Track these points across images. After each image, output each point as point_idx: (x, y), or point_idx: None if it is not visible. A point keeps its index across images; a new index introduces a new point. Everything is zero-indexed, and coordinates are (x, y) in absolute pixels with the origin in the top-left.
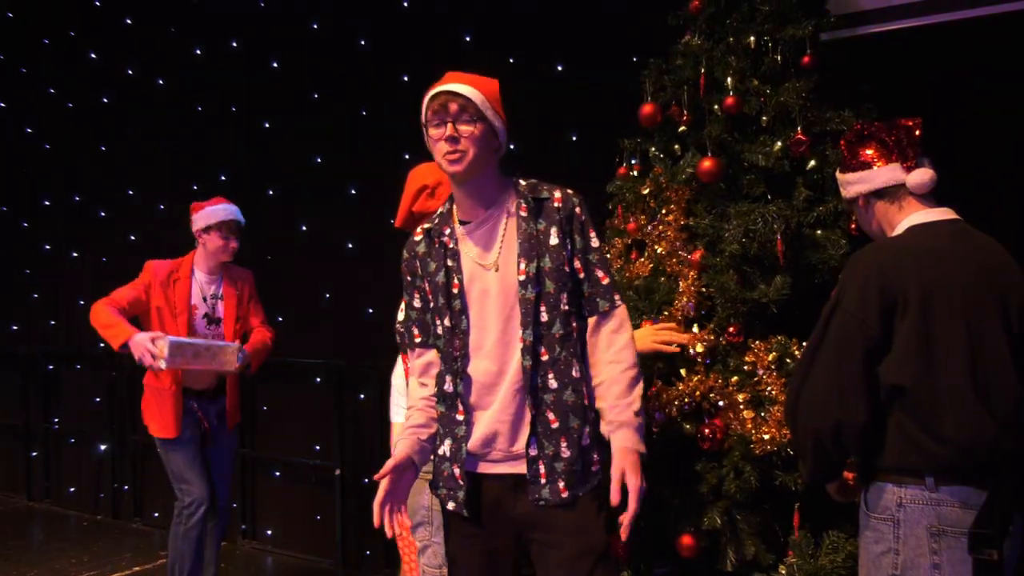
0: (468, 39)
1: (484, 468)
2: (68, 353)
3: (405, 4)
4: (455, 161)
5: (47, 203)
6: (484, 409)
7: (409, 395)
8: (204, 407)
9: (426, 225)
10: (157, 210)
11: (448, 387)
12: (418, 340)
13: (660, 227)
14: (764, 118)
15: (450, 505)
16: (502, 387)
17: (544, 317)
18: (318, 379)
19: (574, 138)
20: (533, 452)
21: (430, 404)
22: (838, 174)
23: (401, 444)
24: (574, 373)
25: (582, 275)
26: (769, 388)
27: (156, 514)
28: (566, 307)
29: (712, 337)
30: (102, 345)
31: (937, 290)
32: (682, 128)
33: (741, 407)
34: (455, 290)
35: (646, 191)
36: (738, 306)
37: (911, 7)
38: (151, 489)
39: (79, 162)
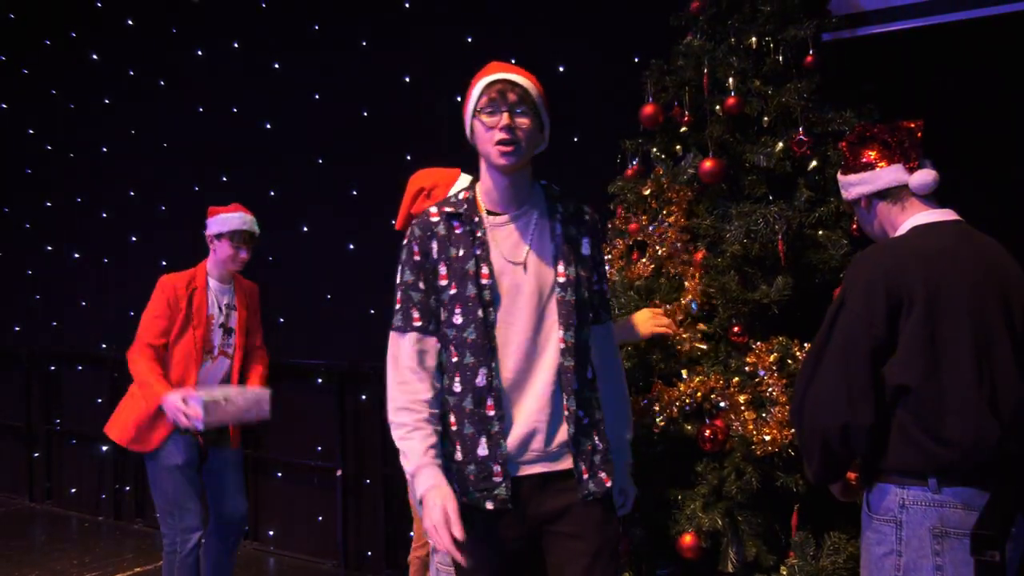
0: (469, 39)
1: (517, 470)
2: (70, 354)
3: (406, 4)
4: (509, 154)
5: (48, 204)
6: (516, 408)
7: (405, 389)
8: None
9: (447, 209)
10: (158, 211)
11: (480, 381)
12: (418, 324)
13: (661, 228)
14: (765, 119)
15: (489, 505)
16: (536, 387)
17: (578, 321)
18: (319, 380)
19: (575, 139)
20: (576, 450)
21: (435, 412)
22: (840, 175)
23: (435, 477)
24: (587, 375)
25: (596, 287)
26: (770, 389)
27: (157, 515)
28: (588, 315)
29: (711, 330)
30: (104, 346)
31: (942, 290)
32: (683, 129)
33: (742, 408)
34: (485, 280)
35: (647, 192)
36: (739, 307)
37: (913, 8)
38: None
39: (80, 163)
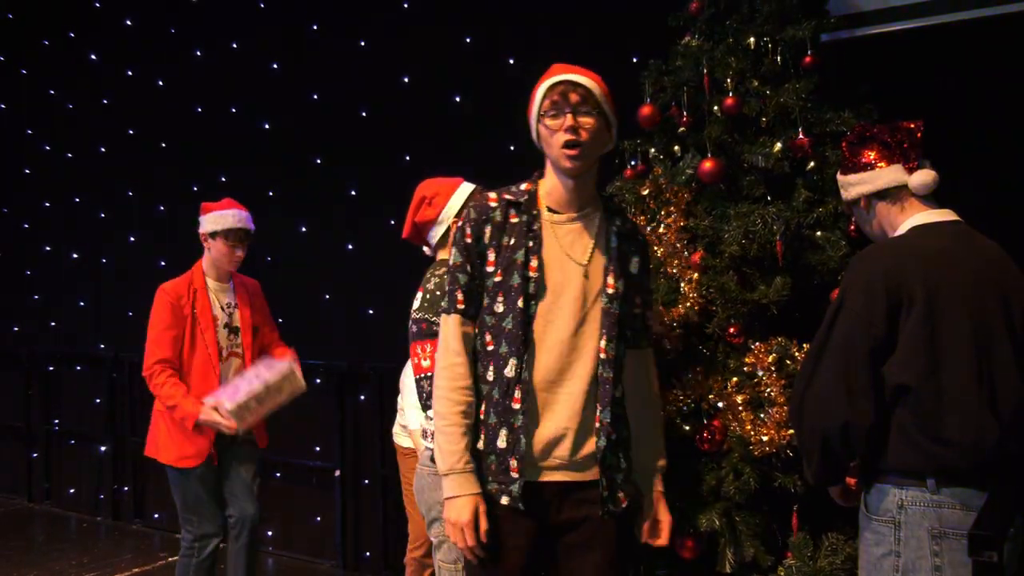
0: (468, 40)
1: (537, 474)
2: (68, 354)
3: (405, 5)
4: (574, 157)
5: (47, 204)
6: (543, 408)
7: (448, 374)
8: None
9: (507, 196)
10: (157, 211)
11: (510, 371)
12: (461, 307)
13: (660, 228)
14: (764, 119)
15: (504, 500)
16: (569, 392)
17: (617, 336)
18: (318, 380)
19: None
20: (603, 464)
21: (472, 401)
22: (839, 176)
23: (468, 484)
24: (616, 393)
25: (638, 311)
26: (769, 389)
27: (156, 515)
28: (626, 332)
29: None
30: (102, 346)
31: (942, 290)
32: (682, 129)
33: (740, 408)
34: (532, 273)
35: (646, 192)
36: (738, 307)
37: (911, 8)
38: (151, 490)
39: (79, 163)
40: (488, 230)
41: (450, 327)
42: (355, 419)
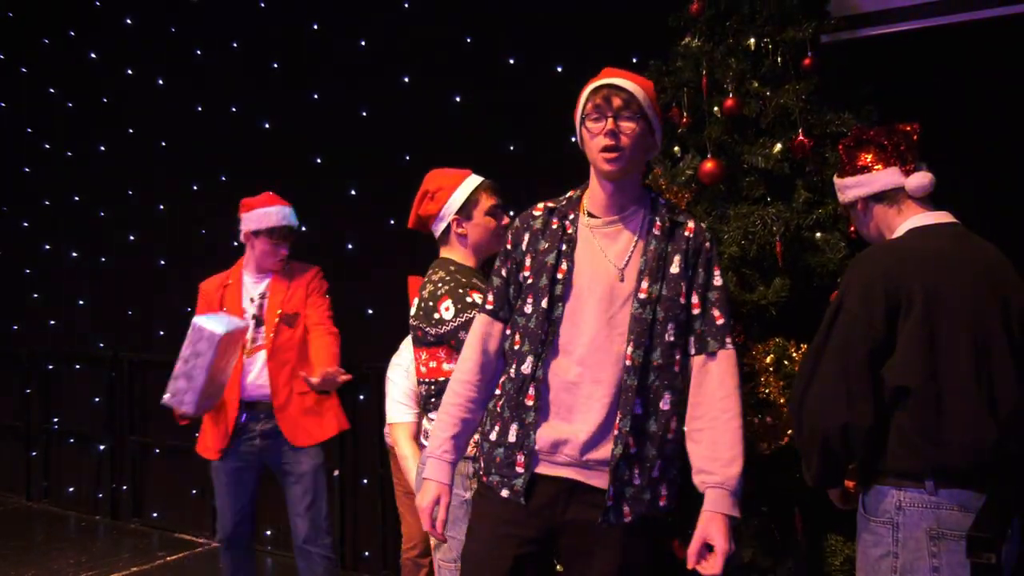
0: (468, 40)
1: (543, 469)
2: (67, 353)
3: (406, 5)
4: (614, 160)
5: (47, 203)
6: (559, 407)
7: (459, 367)
8: (254, 423)
9: (551, 204)
10: (156, 210)
11: (527, 368)
12: (489, 308)
13: None
14: (764, 120)
15: (504, 492)
16: (590, 395)
17: (650, 342)
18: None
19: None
20: (614, 474)
21: (475, 397)
22: (836, 179)
23: (441, 472)
24: (662, 405)
25: (697, 311)
26: (768, 390)
27: (155, 514)
28: (671, 338)
29: None
30: (101, 345)
31: (940, 292)
32: (682, 130)
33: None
34: (560, 275)
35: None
36: (737, 308)
37: (911, 10)
38: (150, 490)
39: (79, 162)
40: (527, 237)
41: (476, 325)
42: (354, 419)
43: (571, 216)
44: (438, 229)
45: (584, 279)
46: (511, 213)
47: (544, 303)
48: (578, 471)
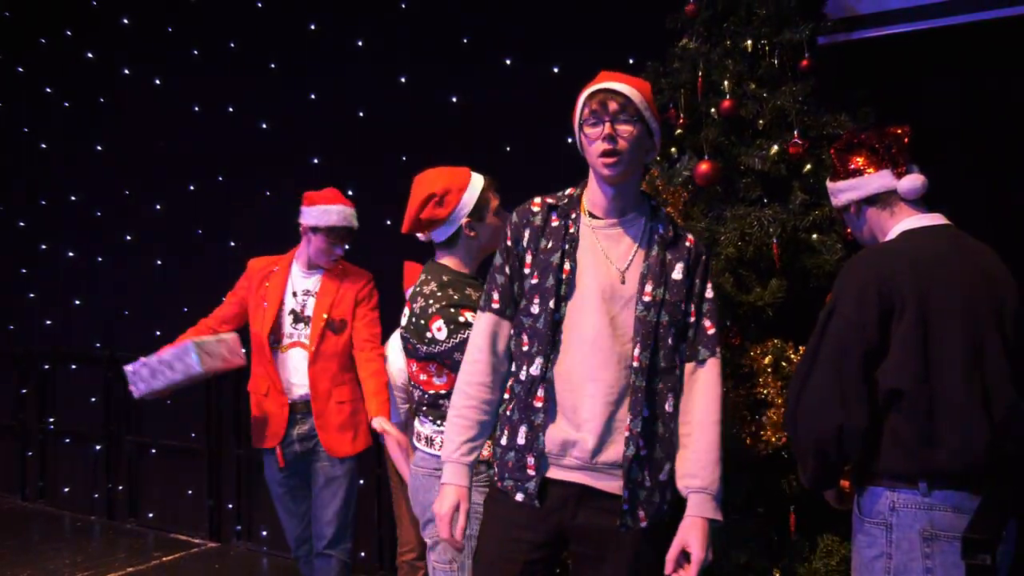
0: (465, 40)
1: (553, 473)
2: (64, 353)
3: (404, 5)
4: (612, 165)
5: (44, 202)
6: (564, 408)
7: (468, 370)
8: (291, 427)
9: (549, 200)
10: (153, 210)
11: (535, 370)
12: (495, 306)
13: None
14: (761, 121)
15: (519, 496)
16: (596, 395)
17: (655, 345)
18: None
19: (570, 140)
20: (627, 477)
21: (488, 398)
22: (828, 182)
23: (459, 475)
24: (667, 407)
25: (692, 319)
26: (765, 391)
27: (150, 515)
28: (673, 342)
29: None
30: (98, 345)
31: (934, 294)
32: (679, 131)
33: (737, 410)
34: (564, 275)
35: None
36: (734, 309)
37: (908, 12)
38: (146, 490)
39: (76, 162)
40: (527, 233)
41: (480, 324)
42: None
43: (573, 215)
44: (444, 233)
45: (586, 279)
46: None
47: (551, 303)
48: (587, 475)
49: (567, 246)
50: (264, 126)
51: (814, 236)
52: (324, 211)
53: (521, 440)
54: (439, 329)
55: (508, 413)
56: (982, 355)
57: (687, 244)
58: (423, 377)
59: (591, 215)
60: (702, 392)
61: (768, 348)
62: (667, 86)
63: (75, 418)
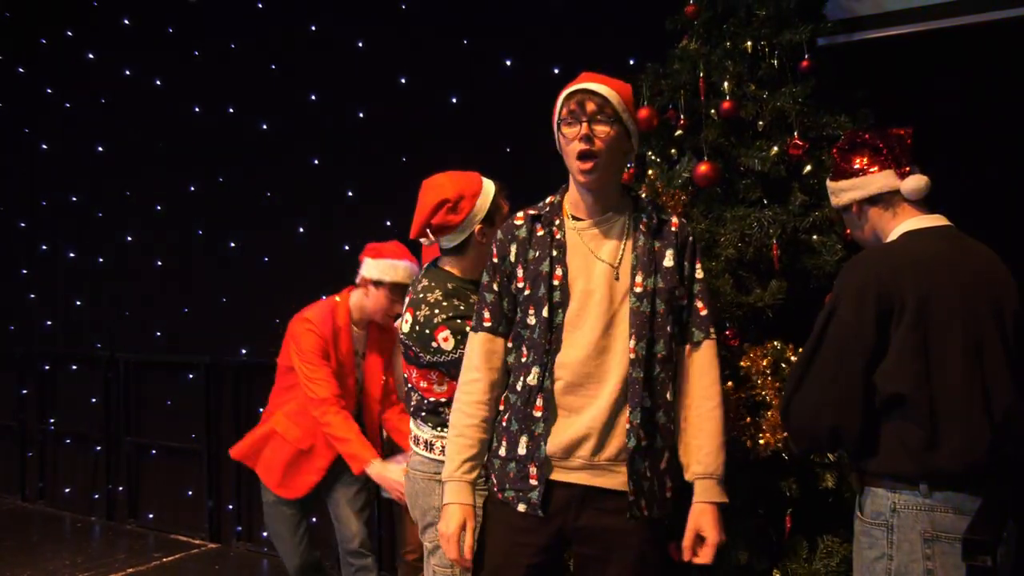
0: (465, 41)
1: (556, 475)
2: (64, 354)
3: (403, 6)
4: (589, 171)
5: (44, 203)
6: (568, 411)
7: (466, 389)
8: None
9: (531, 212)
10: (154, 211)
11: (532, 380)
12: (487, 325)
13: None
14: (761, 123)
15: (521, 507)
16: (597, 394)
17: (652, 334)
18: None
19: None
20: (631, 468)
21: (488, 416)
22: (829, 182)
23: (462, 494)
24: (668, 396)
25: (684, 302)
26: (764, 393)
27: (150, 515)
28: (670, 329)
29: None
30: (98, 345)
31: (933, 296)
32: (679, 132)
33: (736, 411)
34: (556, 282)
35: (642, 195)
36: (733, 311)
37: (908, 13)
38: (146, 491)
39: (76, 162)
40: (513, 248)
41: (474, 344)
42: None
43: (556, 222)
44: (456, 239)
45: (580, 282)
46: None
47: (545, 312)
48: (590, 474)
49: (555, 252)
50: (264, 127)
51: (814, 237)
52: (392, 266)
53: (522, 450)
54: (445, 340)
55: (505, 424)
56: (982, 357)
57: (672, 229)
58: (423, 384)
59: (574, 218)
60: (699, 374)
61: (768, 350)
62: (667, 87)
63: (75, 419)
